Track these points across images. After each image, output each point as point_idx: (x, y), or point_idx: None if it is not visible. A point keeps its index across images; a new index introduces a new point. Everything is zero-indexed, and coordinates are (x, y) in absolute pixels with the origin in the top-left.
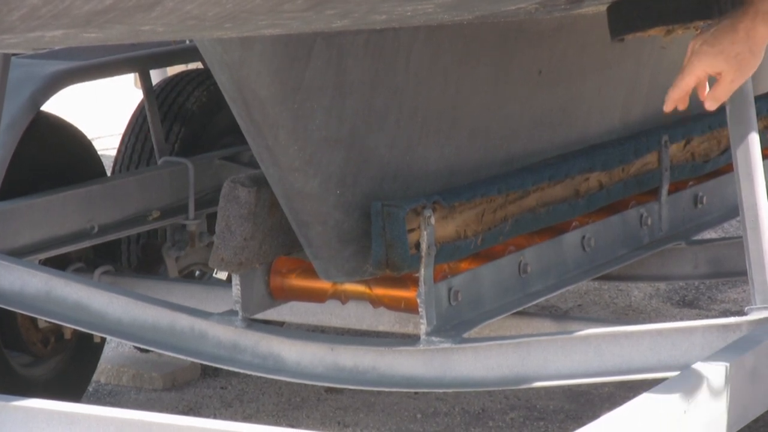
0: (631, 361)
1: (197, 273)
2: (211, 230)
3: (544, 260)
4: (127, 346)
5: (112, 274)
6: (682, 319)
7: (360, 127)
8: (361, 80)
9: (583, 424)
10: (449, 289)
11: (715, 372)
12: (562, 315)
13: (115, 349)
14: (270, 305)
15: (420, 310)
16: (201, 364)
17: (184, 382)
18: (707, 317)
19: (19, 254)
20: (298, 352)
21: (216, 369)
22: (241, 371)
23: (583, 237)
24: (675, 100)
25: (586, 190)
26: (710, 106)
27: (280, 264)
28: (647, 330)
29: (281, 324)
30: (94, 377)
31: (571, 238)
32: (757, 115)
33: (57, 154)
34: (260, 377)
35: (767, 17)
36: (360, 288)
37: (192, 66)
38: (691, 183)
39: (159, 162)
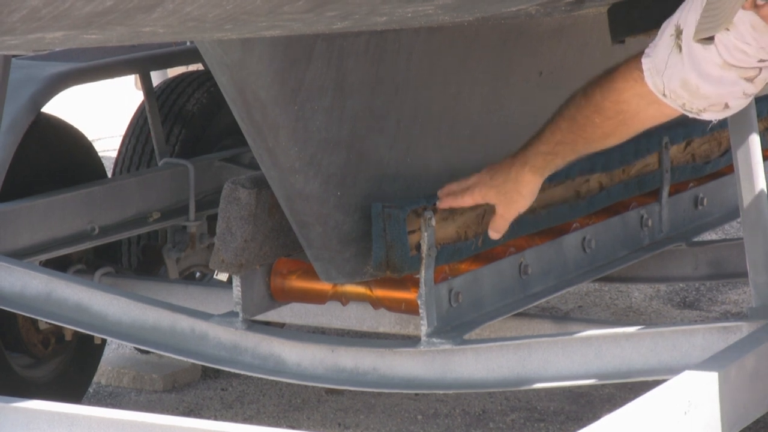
0: (631, 362)
1: (198, 274)
2: (212, 232)
3: (544, 261)
4: (127, 348)
5: (113, 276)
6: (682, 321)
7: (360, 128)
8: (361, 82)
9: (584, 425)
10: (450, 291)
11: (715, 374)
12: (563, 316)
13: (115, 350)
14: (270, 306)
15: (420, 311)
16: (201, 366)
17: (184, 383)
18: (708, 318)
19: (19, 255)
20: (299, 354)
21: (216, 370)
22: (242, 372)
23: (584, 238)
24: (448, 206)
25: (587, 192)
26: (493, 236)
27: (281, 265)
28: (648, 331)
29: (282, 325)
30: (95, 379)
31: (572, 239)
32: (758, 116)
33: (58, 155)
34: (261, 378)
35: (535, 169)
36: (360, 289)
37: (192, 67)
38: (691, 184)
39: (159, 163)
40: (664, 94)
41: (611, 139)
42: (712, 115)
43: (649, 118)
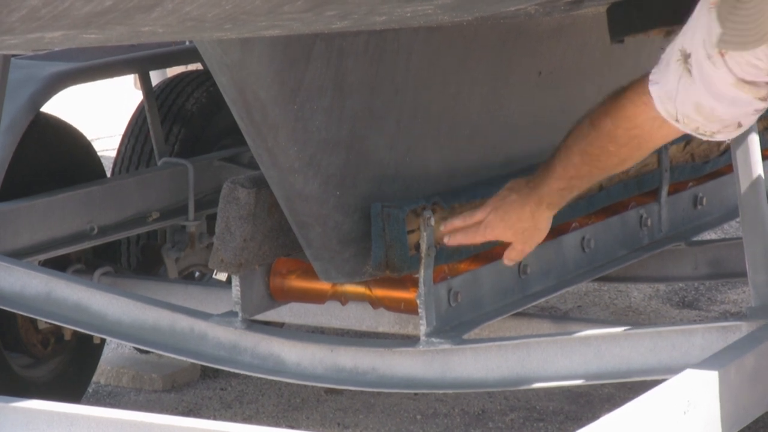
0: (630, 362)
1: (197, 274)
2: (211, 231)
3: (543, 261)
4: (126, 347)
5: (112, 275)
6: (681, 320)
7: (360, 128)
8: (360, 81)
9: (583, 425)
10: (449, 290)
11: (714, 373)
12: (562, 316)
13: (114, 350)
14: (270, 306)
15: (420, 311)
16: (201, 365)
17: (183, 383)
18: (707, 318)
19: (19, 255)
20: (298, 353)
21: (216, 370)
22: (241, 372)
23: (583, 238)
24: (458, 243)
25: (586, 191)
26: (507, 263)
27: (280, 265)
28: (647, 331)
29: (281, 325)
30: (94, 378)
31: (571, 239)
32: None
33: (57, 155)
34: (260, 378)
35: (552, 206)
36: (360, 289)
37: (192, 67)
38: (690, 184)
39: (159, 163)
40: (677, 120)
41: (627, 163)
42: (725, 136)
43: (663, 138)
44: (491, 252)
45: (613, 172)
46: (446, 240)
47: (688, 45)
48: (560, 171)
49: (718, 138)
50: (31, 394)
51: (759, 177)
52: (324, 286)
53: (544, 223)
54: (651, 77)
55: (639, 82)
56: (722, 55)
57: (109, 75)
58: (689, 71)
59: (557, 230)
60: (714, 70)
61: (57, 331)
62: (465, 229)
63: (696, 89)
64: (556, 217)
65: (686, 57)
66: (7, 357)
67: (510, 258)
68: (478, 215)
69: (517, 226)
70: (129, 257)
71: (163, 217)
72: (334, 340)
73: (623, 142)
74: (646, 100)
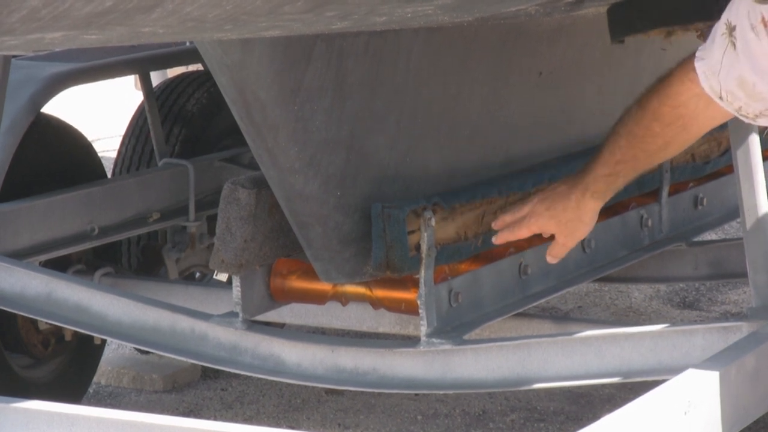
0: (631, 362)
1: (197, 275)
2: (212, 232)
3: (544, 262)
4: (127, 348)
5: (113, 276)
6: (682, 321)
7: (360, 128)
8: (361, 82)
9: (584, 425)
10: (449, 291)
11: (715, 374)
12: (563, 316)
13: (115, 350)
14: (270, 307)
15: (420, 311)
16: (201, 366)
17: (184, 383)
18: (708, 319)
19: (19, 256)
20: (299, 354)
21: (216, 371)
22: (242, 373)
23: (584, 238)
24: (504, 241)
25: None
26: (551, 261)
27: (281, 265)
28: (648, 331)
29: (282, 325)
30: (95, 379)
31: None
32: None
33: (57, 155)
34: (261, 379)
35: (597, 195)
36: (360, 289)
37: (192, 68)
38: (691, 184)
39: (159, 164)
40: (720, 97)
41: (671, 147)
42: (767, 121)
43: (708, 120)
44: (492, 252)
45: (657, 158)
46: (493, 239)
47: (733, 17)
48: (606, 156)
49: (761, 122)
50: (32, 395)
51: (759, 177)
52: (324, 286)
53: (588, 215)
54: (697, 53)
55: (688, 59)
56: (765, 24)
57: (109, 76)
58: (734, 44)
59: None
60: (757, 42)
61: (57, 331)
62: (510, 224)
63: (739, 63)
64: None
65: (731, 30)
66: (7, 357)
67: (553, 254)
68: (526, 208)
69: (562, 216)
70: (129, 258)
71: (164, 217)
72: (335, 341)
73: (668, 121)
74: (691, 77)
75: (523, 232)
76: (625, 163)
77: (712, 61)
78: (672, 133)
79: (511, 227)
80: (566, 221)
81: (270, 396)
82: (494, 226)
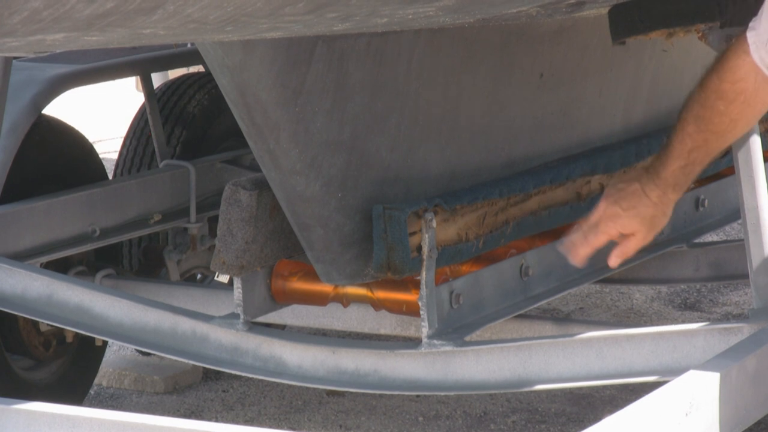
0: (632, 364)
1: (199, 276)
2: (213, 233)
3: (545, 263)
4: (128, 350)
5: (114, 278)
6: (683, 322)
7: (361, 130)
8: (362, 83)
9: (585, 426)
10: (451, 292)
11: (716, 375)
12: (564, 318)
13: (116, 352)
14: (271, 308)
15: (421, 313)
16: (202, 368)
17: (185, 385)
18: (709, 320)
19: (20, 258)
20: (300, 355)
21: (217, 372)
22: (243, 374)
23: None
24: (584, 258)
25: (588, 193)
26: (614, 263)
27: (282, 267)
28: (649, 333)
29: (283, 327)
30: (96, 380)
31: None
32: None
33: (58, 157)
34: (262, 380)
35: (677, 188)
36: (361, 291)
37: (193, 69)
38: (692, 186)
39: (160, 165)
40: None
41: (740, 125)
42: None
43: None
44: (493, 254)
45: (728, 139)
46: (572, 261)
47: None
48: (678, 148)
49: None
50: (33, 397)
51: (761, 179)
52: (325, 288)
53: (669, 207)
54: (750, 24)
55: (742, 33)
56: None
57: (110, 77)
58: None
59: (559, 232)
60: None
61: (59, 333)
62: (583, 238)
63: None
64: (558, 219)
65: None
66: (8, 359)
67: (624, 254)
68: (594, 217)
69: (645, 213)
70: (131, 259)
71: (165, 219)
72: (336, 342)
73: (731, 98)
74: (745, 48)
75: (602, 239)
76: (697, 149)
77: (761, 30)
78: (737, 110)
79: (585, 241)
80: (650, 218)
81: (271, 397)
82: (562, 249)
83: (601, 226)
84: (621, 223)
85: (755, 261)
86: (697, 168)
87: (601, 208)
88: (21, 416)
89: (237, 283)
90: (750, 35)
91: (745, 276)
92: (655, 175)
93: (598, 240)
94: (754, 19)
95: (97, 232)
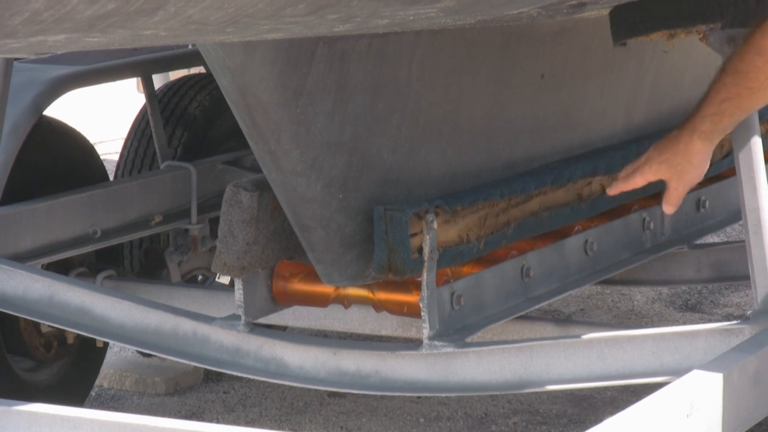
0: (633, 365)
1: (200, 277)
2: (214, 235)
3: (546, 264)
4: (129, 351)
5: (115, 279)
6: (684, 323)
7: (362, 131)
8: (363, 84)
9: (586, 428)
10: (452, 294)
11: (717, 376)
12: (565, 319)
13: (117, 353)
14: (272, 309)
15: (422, 314)
16: (203, 369)
17: (186, 386)
18: (710, 321)
19: (21, 259)
20: (301, 357)
21: (218, 373)
22: (244, 376)
23: (586, 241)
24: (620, 191)
25: (589, 194)
26: (668, 210)
27: (283, 268)
28: (650, 334)
29: (284, 328)
30: (97, 382)
31: (574, 242)
32: (760, 119)
33: (59, 158)
34: (263, 382)
35: (703, 135)
36: (362, 292)
37: (194, 70)
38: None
39: (161, 166)
40: None
41: None
42: None
43: None
44: (494, 255)
45: (761, 96)
46: (608, 191)
47: None
48: (712, 95)
49: None
50: (34, 398)
51: (762, 180)
52: (327, 289)
53: (697, 157)
54: None
55: None
56: None
57: (111, 78)
58: None
59: (560, 233)
60: None
61: (60, 334)
62: (626, 177)
63: None
64: (558, 220)
65: None
66: (9, 360)
67: (669, 202)
68: (642, 158)
69: (672, 160)
70: (132, 261)
71: (166, 220)
72: (337, 344)
73: None
74: None
75: (638, 181)
76: (730, 101)
77: None
78: None
79: (626, 177)
80: (676, 164)
81: (272, 399)
82: (609, 191)
83: (640, 169)
84: (654, 170)
85: (756, 262)
86: (727, 121)
87: (647, 153)
88: (22, 417)
89: (238, 285)
90: None
91: (746, 277)
92: (689, 121)
93: (635, 182)
94: None
95: (98, 234)
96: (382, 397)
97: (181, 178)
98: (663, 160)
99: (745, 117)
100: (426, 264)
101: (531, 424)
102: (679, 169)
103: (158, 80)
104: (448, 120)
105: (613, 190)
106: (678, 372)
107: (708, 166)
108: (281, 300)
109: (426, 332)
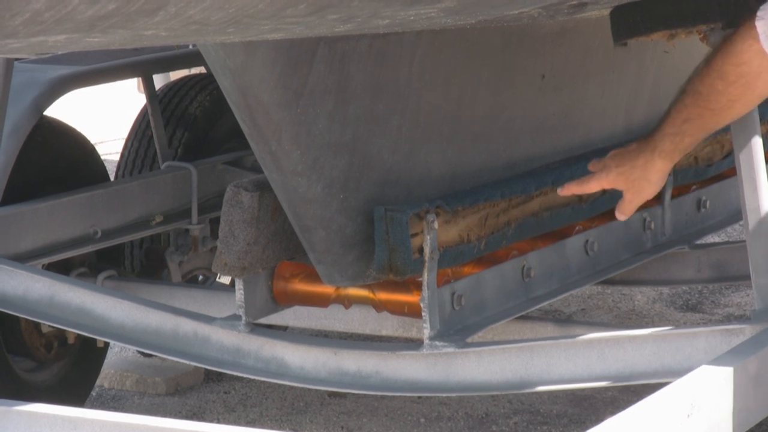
0: (634, 365)
1: (200, 278)
2: (214, 235)
3: (547, 264)
4: (130, 351)
5: (116, 279)
6: (685, 324)
7: (363, 131)
8: (363, 85)
9: (587, 428)
10: (452, 294)
11: (718, 376)
12: (566, 319)
13: (118, 353)
14: (273, 310)
15: (423, 314)
16: (204, 369)
17: (187, 386)
18: (710, 321)
19: (22, 259)
20: (302, 357)
21: (219, 373)
22: (245, 376)
23: (586, 241)
24: (572, 192)
25: (589, 195)
26: (620, 218)
27: (283, 268)
28: (650, 334)
29: (284, 328)
30: (98, 382)
31: (575, 242)
32: (760, 119)
33: (60, 158)
34: (263, 382)
35: (663, 154)
36: (363, 292)
37: (195, 70)
38: (694, 187)
39: (162, 167)
40: None
41: (737, 106)
42: None
43: None
44: (495, 255)
45: (724, 118)
46: (559, 191)
47: None
48: (673, 115)
49: None
50: (35, 398)
51: (762, 180)
52: (327, 289)
53: (655, 175)
54: (759, 13)
55: (751, 17)
56: None
57: (112, 78)
58: None
59: (561, 233)
60: None
61: (60, 334)
62: (582, 180)
63: None
64: (559, 221)
65: None
66: (10, 360)
67: (621, 211)
68: (599, 164)
69: (629, 174)
70: (132, 261)
71: (167, 220)
72: (338, 344)
73: (731, 79)
74: (754, 34)
75: (593, 186)
76: (691, 121)
77: None
78: (736, 91)
79: (581, 181)
80: (634, 179)
81: (273, 399)
82: (560, 191)
83: (597, 174)
84: (610, 179)
85: (757, 262)
86: (688, 140)
87: (604, 160)
88: (22, 418)
89: (239, 285)
90: (759, 24)
91: (747, 277)
92: (650, 138)
93: (589, 186)
94: (762, 6)
95: (99, 234)
96: (382, 397)
97: (182, 179)
98: (621, 172)
99: (706, 136)
100: (427, 264)
101: (532, 424)
102: (636, 184)
103: (159, 80)
104: (448, 120)
105: (565, 191)
106: (679, 372)
107: (665, 182)
108: (282, 300)
109: (427, 332)
